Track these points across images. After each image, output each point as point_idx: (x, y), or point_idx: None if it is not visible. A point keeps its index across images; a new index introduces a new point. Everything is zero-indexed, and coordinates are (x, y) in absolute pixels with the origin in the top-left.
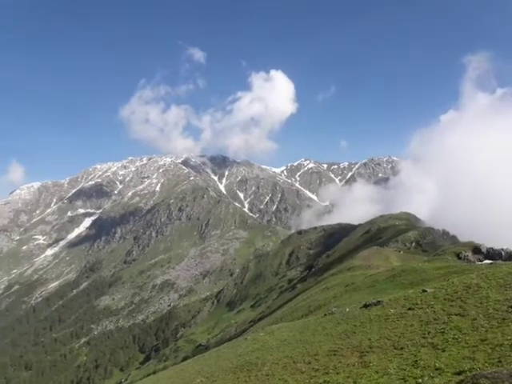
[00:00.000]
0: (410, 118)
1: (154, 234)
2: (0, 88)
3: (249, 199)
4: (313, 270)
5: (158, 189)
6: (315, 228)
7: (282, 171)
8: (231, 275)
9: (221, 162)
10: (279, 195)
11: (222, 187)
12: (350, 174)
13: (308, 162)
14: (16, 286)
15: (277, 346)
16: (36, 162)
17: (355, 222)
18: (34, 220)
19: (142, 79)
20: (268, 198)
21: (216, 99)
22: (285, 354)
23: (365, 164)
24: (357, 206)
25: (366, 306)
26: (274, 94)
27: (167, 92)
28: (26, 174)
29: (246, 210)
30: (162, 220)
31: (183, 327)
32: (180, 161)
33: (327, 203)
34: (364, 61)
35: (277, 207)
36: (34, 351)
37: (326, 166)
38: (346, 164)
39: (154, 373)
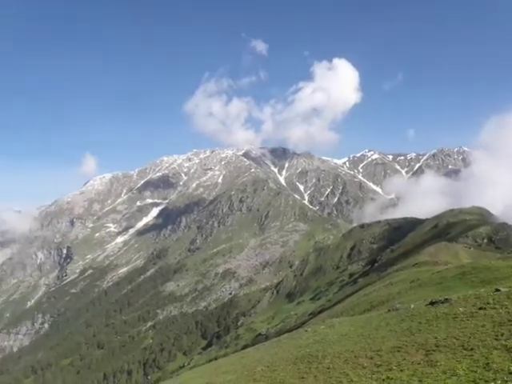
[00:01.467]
0: (481, 105)
1: (216, 224)
2: (75, 85)
3: (309, 191)
4: (375, 264)
5: (220, 180)
6: (379, 222)
7: (344, 163)
8: (290, 267)
9: (281, 154)
10: (341, 187)
11: (281, 179)
12: (417, 165)
13: (372, 153)
14: (90, 271)
15: (338, 340)
16: (108, 154)
17: (422, 216)
18: (106, 209)
19: (205, 73)
20: (329, 190)
21: (277, 90)
22: (346, 347)
23: (434, 155)
24: (424, 199)
25: (432, 303)
26: (337, 83)
27: (229, 85)
28: (98, 166)
29: (305, 202)
30: (224, 211)
31: (243, 316)
32: (241, 153)
33: (392, 196)
34: (433, 46)
35: (338, 200)
36: (105, 332)
37: (391, 157)
38: (414, 155)
39: (216, 359)
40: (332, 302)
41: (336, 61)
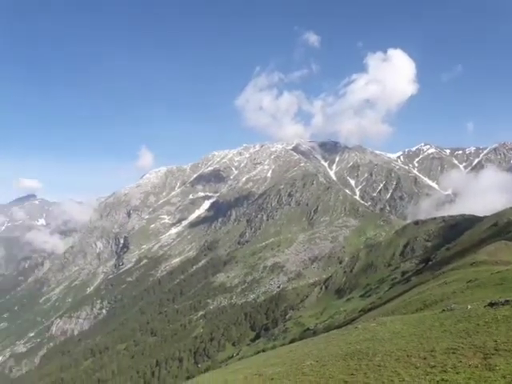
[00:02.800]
0: None
1: (265, 218)
2: (134, 84)
3: (360, 186)
4: (430, 263)
5: (269, 174)
6: (434, 218)
7: (398, 157)
8: (340, 263)
9: (331, 148)
10: (394, 182)
11: (332, 173)
12: (476, 160)
13: (428, 146)
14: (145, 260)
15: (389, 338)
16: (163, 149)
17: (480, 214)
18: (161, 201)
19: (256, 67)
20: (382, 185)
21: (329, 83)
22: (398, 346)
23: (495, 149)
24: (483, 195)
25: (491, 304)
26: (392, 74)
27: (280, 78)
28: (154, 160)
29: (357, 197)
30: (273, 205)
31: (292, 309)
32: (291, 147)
33: (449, 192)
34: (495, 35)
35: (391, 195)
36: (158, 319)
37: (448, 151)
38: (473, 149)
39: (264, 351)
40: (383, 299)
41: (391, 51)
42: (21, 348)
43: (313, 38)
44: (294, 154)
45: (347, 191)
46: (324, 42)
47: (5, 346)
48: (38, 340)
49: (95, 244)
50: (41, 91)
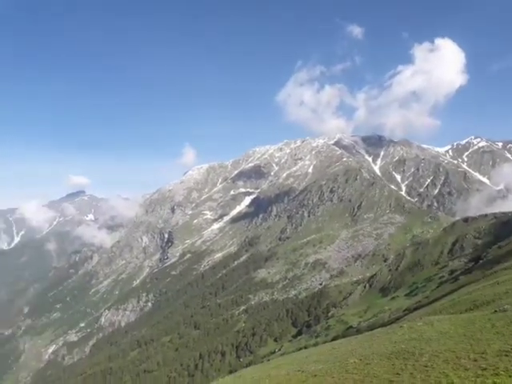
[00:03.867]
0: None
1: (306, 214)
2: (177, 82)
3: (406, 182)
4: (480, 261)
5: (310, 170)
6: (485, 215)
7: (447, 151)
8: (385, 261)
9: (376, 142)
10: (442, 177)
11: (376, 168)
12: None
13: (478, 140)
14: (188, 255)
15: (437, 338)
16: (205, 146)
17: None
18: (203, 197)
19: (298, 61)
20: (429, 180)
21: (372, 76)
22: (446, 347)
23: None
24: None
25: None
26: (440, 65)
27: (322, 72)
28: (197, 157)
29: (402, 193)
30: (314, 201)
31: (334, 307)
32: (332, 142)
33: (501, 187)
34: None
35: (439, 191)
36: (201, 313)
37: (500, 144)
38: None
39: (306, 347)
40: (429, 298)
41: (439, 41)
42: (72, 337)
43: (356, 30)
44: (336, 148)
45: (392, 187)
46: (368, 33)
47: (58, 335)
48: (88, 330)
49: (141, 238)
50: (91, 91)
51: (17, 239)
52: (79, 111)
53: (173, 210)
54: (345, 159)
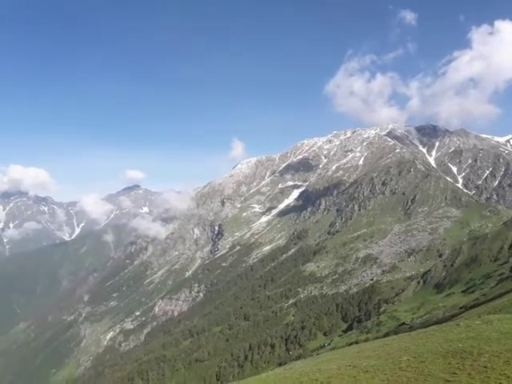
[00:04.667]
0: None
1: (356, 208)
2: (224, 78)
3: (463, 173)
4: None
5: (361, 162)
6: None
7: (508, 140)
8: (440, 256)
9: (430, 132)
10: (503, 169)
11: (431, 160)
12: None
13: None
14: (237, 247)
15: (497, 338)
16: (254, 139)
17: None
18: (252, 191)
19: (348, 51)
20: (488, 172)
21: (426, 63)
22: (507, 347)
23: None
24: None
25: None
26: (501, 48)
27: (373, 61)
28: (245, 151)
29: (459, 185)
30: (365, 194)
31: (386, 303)
32: (385, 133)
33: None
34: None
35: (499, 183)
36: (251, 305)
37: None
38: None
39: (357, 343)
40: (488, 296)
41: (499, 23)
42: (129, 325)
43: (409, 16)
44: (389, 139)
45: (448, 179)
46: (421, 19)
47: (115, 323)
48: (143, 319)
49: (193, 231)
50: (144, 89)
51: (77, 231)
52: (135, 110)
53: (222, 203)
54: (398, 150)
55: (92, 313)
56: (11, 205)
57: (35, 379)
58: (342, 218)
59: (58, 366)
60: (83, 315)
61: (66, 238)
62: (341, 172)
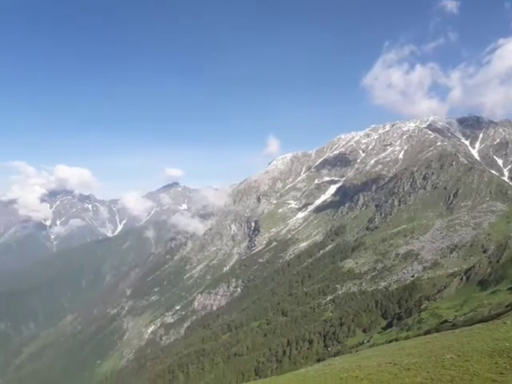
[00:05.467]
0: None
1: (396, 203)
2: (259, 75)
3: (509, 166)
4: None
5: (400, 156)
6: None
7: None
8: (484, 252)
9: (473, 123)
10: None
11: (474, 152)
12: None
13: None
14: (274, 243)
15: None
16: (289, 135)
17: None
18: (288, 187)
19: (385, 42)
20: None
21: (469, 52)
22: None
23: None
24: None
25: None
26: None
27: (412, 51)
28: (280, 147)
29: (505, 178)
30: (405, 189)
31: (427, 300)
32: (425, 125)
33: None
34: None
35: None
36: (288, 300)
37: None
38: None
39: (396, 340)
40: None
41: None
42: (169, 319)
43: (450, 5)
44: (429, 132)
45: (493, 172)
46: (463, 7)
47: (156, 316)
48: (183, 313)
49: (230, 227)
50: (181, 88)
51: (120, 227)
52: (173, 110)
53: (258, 200)
54: (439, 143)
55: (134, 307)
56: (57, 203)
57: (82, 370)
58: (381, 214)
59: (103, 357)
60: (126, 309)
61: (109, 234)
62: (380, 166)
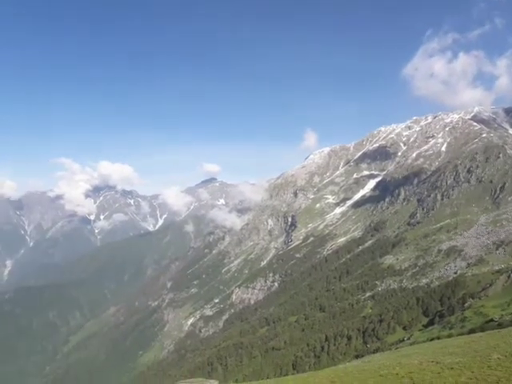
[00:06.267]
0: None
1: (439, 197)
2: (296, 68)
3: None
4: None
5: (443, 149)
6: None
7: None
8: None
9: None
10: None
11: None
12: None
13: None
14: (311, 238)
15: None
16: (326, 129)
17: None
18: (325, 181)
19: (427, 31)
20: None
21: None
22: None
23: None
24: None
25: None
26: None
27: (455, 40)
28: (317, 141)
29: None
30: (448, 182)
31: (471, 298)
32: (469, 116)
33: None
34: None
35: None
36: (326, 296)
37: None
38: None
39: (438, 338)
40: None
41: None
42: (208, 311)
43: None
44: (474, 123)
45: None
46: None
47: (196, 309)
48: (222, 306)
49: (266, 222)
50: (217, 84)
51: (160, 222)
52: (210, 106)
53: (295, 194)
54: (484, 135)
55: (174, 299)
56: (101, 198)
57: (125, 360)
58: (423, 209)
59: (145, 348)
60: (166, 301)
61: (150, 228)
62: (421, 160)
